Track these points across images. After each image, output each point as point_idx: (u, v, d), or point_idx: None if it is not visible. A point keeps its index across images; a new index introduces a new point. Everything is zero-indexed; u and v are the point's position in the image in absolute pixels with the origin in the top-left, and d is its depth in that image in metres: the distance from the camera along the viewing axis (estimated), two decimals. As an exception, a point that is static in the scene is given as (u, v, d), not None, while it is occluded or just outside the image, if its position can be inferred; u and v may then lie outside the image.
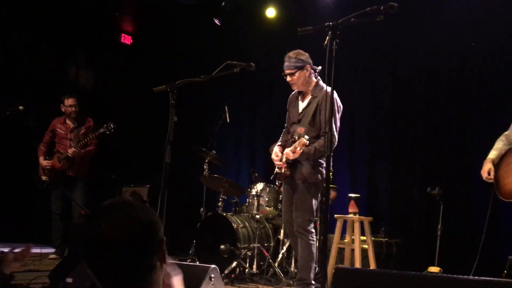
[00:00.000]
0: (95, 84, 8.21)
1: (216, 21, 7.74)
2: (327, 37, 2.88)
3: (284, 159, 4.08)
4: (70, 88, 7.12)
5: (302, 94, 4.22)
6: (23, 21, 7.22)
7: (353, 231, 5.05)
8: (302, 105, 4.19)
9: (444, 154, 5.89)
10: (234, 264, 4.97)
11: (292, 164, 4.07)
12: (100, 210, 1.30)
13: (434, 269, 4.93)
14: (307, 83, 4.13)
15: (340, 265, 4.92)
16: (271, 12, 7.47)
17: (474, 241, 4.89)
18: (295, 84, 4.14)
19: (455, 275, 2.62)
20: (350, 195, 5.24)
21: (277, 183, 5.22)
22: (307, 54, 4.13)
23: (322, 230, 3.05)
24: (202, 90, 7.09)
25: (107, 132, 5.81)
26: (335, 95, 4.02)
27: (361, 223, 5.04)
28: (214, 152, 5.82)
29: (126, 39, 8.46)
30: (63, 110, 6.11)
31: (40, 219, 6.57)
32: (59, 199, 5.98)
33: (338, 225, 5.11)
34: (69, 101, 6.07)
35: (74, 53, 8.00)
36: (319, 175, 4.02)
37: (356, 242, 4.93)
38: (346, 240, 5.16)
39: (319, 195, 4.12)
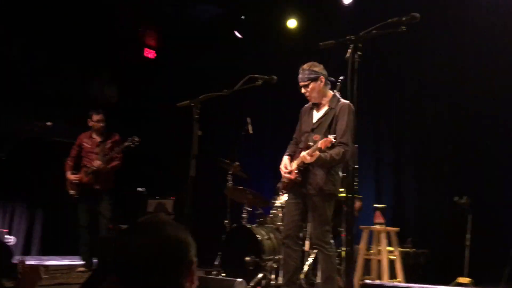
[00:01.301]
0: (119, 98, 8.33)
1: (238, 34, 7.80)
2: (349, 50, 2.84)
3: (295, 166, 4.00)
4: (95, 103, 7.25)
5: (317, 105, 4.17)
6: (47, 40, 7.39)
7: (379, 242, 4.99)
8: (317, 115, 4.14)
9: (472, 163, 5.78)
10: (260, 276, 4.95)
11: (304, 172, 3.98)
12: (133, 227, 1.31)
13: (463, 279, 4.84)
14: (322, 94, 4.08)
15: (367, 280, 4.85)
16: (292, 23, 7.49)
17: (504, 250, 4.79)
18: (309, 96, 4.09)
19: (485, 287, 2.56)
20: (375, 205, 5.19)
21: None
22: (321, 65, 4.08)
23: (348, 241, 3.00)
24: (226, 103, 7.14)
25: (132, 146, 5.89)
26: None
27: (388, 234, 4.98)
28: (238, 163, 5.83)
29: (150, 53, 8.58)
30: (90, 125, 6.21)
31: (68, 232, 6.68)
32: (85, 212, 6.06)
33: (364, 236, 5.06)
34: (97, 117, 6.16)
35: (98, 68, 8.14)
36: (333, 185, 3.97)
37: (383, 253, 4.87)
38: (372, 251, 5.10)
39: (340, 205, 4.07)
